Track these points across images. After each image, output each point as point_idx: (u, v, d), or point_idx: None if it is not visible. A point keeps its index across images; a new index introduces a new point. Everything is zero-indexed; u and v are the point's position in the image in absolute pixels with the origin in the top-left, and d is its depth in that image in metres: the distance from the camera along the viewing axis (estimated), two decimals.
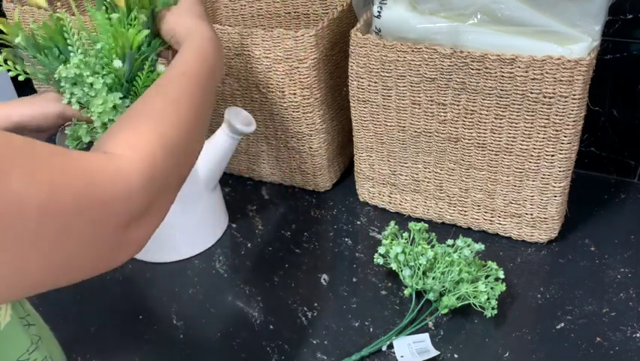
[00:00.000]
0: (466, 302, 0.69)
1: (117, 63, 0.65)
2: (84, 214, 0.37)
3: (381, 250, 0.75)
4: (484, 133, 0.75)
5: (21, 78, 0.67)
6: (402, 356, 0.66)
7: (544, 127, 0.71)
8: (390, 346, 0.68)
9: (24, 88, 1.17)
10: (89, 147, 0.69)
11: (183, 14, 0.66)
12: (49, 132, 0.70)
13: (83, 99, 0.65)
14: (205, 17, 0.67)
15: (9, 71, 0.67)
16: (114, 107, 0.65)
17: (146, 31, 0.66)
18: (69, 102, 0.66)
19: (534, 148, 0.73)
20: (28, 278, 0.35)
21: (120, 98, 0.65)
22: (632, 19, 0.80)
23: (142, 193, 0.41)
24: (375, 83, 0.77)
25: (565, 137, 0.70)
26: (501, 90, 0.70)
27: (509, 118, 0.72)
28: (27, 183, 0.33)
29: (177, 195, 0.49)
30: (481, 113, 0.73)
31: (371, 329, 0.71)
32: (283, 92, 0.85)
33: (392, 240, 0.75)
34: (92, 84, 0.64)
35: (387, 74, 0.76)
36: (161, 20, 0.67)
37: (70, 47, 0.66)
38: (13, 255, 0.33)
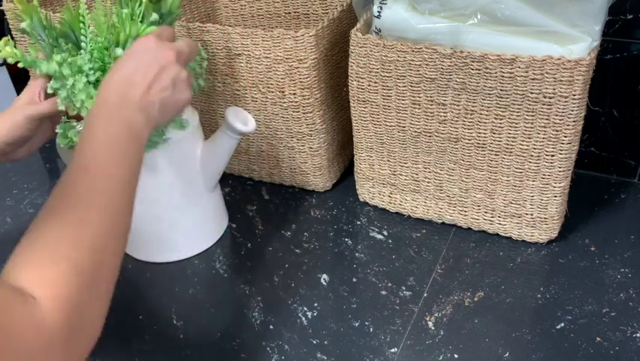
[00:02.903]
0: None
1: (119, 51, 0.65)
2: None
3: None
4: (484, 133, 0.75)
5: (20, 65, 0.67)
6: None
7: (544, 127, 0.71)
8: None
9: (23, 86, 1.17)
10: None
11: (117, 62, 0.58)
12: (38, 138, 0.70)
13: (63, 95, 0.65)
14: (139, 47, 0.58)
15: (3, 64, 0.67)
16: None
17: (153, 27, 0.66)
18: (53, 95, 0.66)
19: (534, 148, 0.73)
20: None
21: None
22: (632, 19, 0.80)
23: (66, 342, 0.39)
24: (375, 83, 0.77)
25: (565, 137, 0.70)
26: (501, 90, 0.70)
27: (509, 118, 0.72)
28: None
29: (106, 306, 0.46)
30: (481, 114, 0.73)
31: (371, 329, 0.71)
32: (283, 92, 0.85)
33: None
34: (73, 84, 0.64)
35: (387, 74, 0.76)
36: None
37: (82, 37, 0.66)
38: None
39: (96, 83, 0.66)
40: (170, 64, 0.59)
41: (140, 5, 0.67)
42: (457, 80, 0.72)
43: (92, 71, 0.65)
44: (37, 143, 0.72)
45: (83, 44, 0.67)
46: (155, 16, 0.67)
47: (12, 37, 1.09)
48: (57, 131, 0.69)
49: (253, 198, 0.96)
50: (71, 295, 0.40)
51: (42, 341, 0.38)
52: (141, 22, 0.67)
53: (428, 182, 0.83)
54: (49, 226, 0.44)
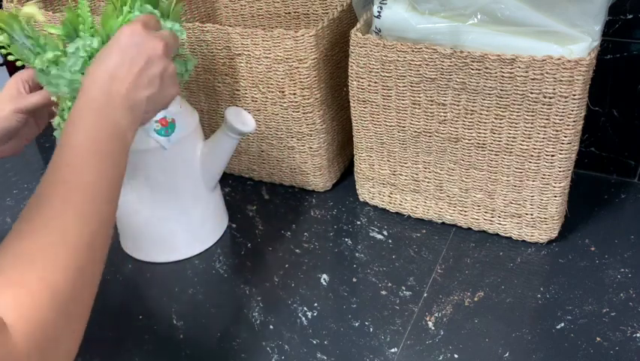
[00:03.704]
0: None
1: (95, 42, 0.63)
2: None
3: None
4: (484, 133, 0.75)
5: (19, 64, 0.66)
6: None
7: (544, 127, 0.71)
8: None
9: None
10: None
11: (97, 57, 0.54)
12: (24, 136, 0.68)
13: (52, 90, 0.65)
14: (119, 42, 0.54)
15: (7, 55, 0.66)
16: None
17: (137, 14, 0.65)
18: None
19: (534, 148, 0.73)
20: None
21: None
22: (632, 19, 0.80)
23: None
24: (375, 83, 0.77)
25: (565, 137, 0.70)
26: (501, 90, 0.70)
27: (509, 118, 0.72)
28: None
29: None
30: (481, 114, 0.73)
31: (371, 329, 0.71)
32: (283, 92, 0.85)
33: None
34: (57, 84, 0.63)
35: (387, 74, 0.76)
36: None
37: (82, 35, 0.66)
38: None
39: None
40: (158, 57, 0.55)
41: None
42: (457, 80, 0.72)
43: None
44: (23, 140, 0.70)
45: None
46: (148, 8, 0.64)
47: None
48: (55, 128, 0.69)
49: (253, 198, 0.96)
50: (45, 321, 0.38)
51: None
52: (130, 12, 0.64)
53: (428, 182, 0.83)
54: (23, 242, 0.41)
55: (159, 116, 0.73)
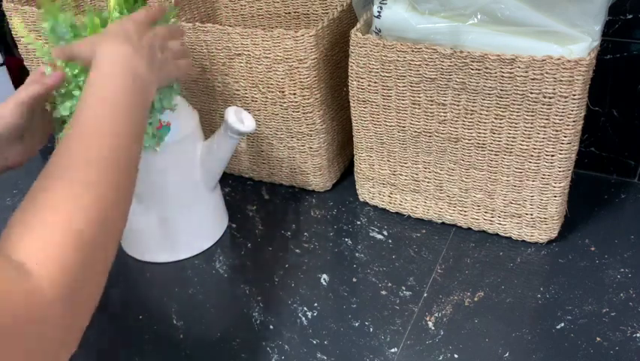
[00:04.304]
0: None
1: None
2: (8, 338, 0.34)
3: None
4: (484, 133, 0.75)
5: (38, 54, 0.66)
6: None
7: (544, 127, 0.71)
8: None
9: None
10: None
11: (96, 38, 0.57)
12: (35, 137, 0.66)
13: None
14: (125, 33, 0.57)
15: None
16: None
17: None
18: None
19: (534, 148, 0.73)
20: None
21: None
22: (632, 19, 0.80)
23: (62, 317, 0.38)
24: (375, 83, 0.78)
25: (565, 137, 0.70)
26: (501, 90, 0.70)
27: (509, 118, 0.72)
28: None
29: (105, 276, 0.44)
30: (481, 113, 0.73)
31: (371, 329, 0.71)
32: (283, 92, 0.85)
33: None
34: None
35: (387, 74, 0.76)
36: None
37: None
38: None
39: None
40: (144, 25, 0.60)
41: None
42: (457, 80, 0.72)
43: None
44: (35, 142, 0.68)
45: None
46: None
47: (12, 38, 1.09)
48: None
49: (253, 198, 0.96)
50: (69, 268, 0.39)
51: (39, 316, 0.36)
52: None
53: (428, 182, 0.83)
54: (47, 193, 0.42)
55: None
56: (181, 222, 0.82)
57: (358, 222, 0.88)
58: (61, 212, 0.40)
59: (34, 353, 0.36)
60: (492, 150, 0.76)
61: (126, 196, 0.47)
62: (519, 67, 0.67)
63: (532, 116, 0.70)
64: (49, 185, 0.42)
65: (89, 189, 0.42)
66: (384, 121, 0.81)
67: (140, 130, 0.51)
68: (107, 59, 0.53)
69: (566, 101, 0.68)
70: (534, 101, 0.69)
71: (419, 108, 0.77)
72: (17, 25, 0.67)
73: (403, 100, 0.77)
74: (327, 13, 1.02)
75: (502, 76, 0.69)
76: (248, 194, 0.97)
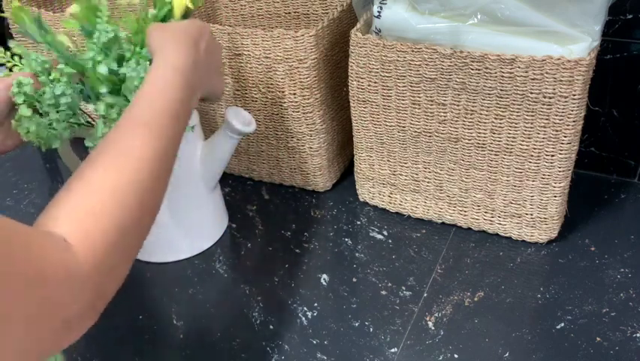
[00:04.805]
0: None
1: (103, 69, 0.64)
2: (44, 305, 0.36)
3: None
4: (484, 133, 0.75)
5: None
6: None
7: (544, 127, 0.71)
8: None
9: None
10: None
11: (163, 34, 0.59)
12: (6, 124, 0.65)
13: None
14: (189, 37, 0.59)
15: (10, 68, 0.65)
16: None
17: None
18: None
19: (534, 148, 0.73)
20: None
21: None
22: (632, 19, 0.80)
23: (92, 293, 0.40)
24: (375, 83, 0.77)
25: (565, 137, 0.70)
26: (501, 90, 0.70)
27: (509, 118, 0.72)
28: None
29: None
30: (481, 113, 0.73)
31: (371, 329, 0.71)
32: (283, 92, 0.85)
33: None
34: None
35: (387, 74, 0.76)
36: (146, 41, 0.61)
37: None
38: None
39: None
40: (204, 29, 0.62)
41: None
42: (457, 80, 0.72)
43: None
44: (9, 136, 0.66)
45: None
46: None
47: (12, 37, 1.09)
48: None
49: (253, 198, 0.96)
50: (108, 245, 0.41)
51: (74, 285, 0.38)
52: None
53: (428, 182, 0.83)
54: (91, 173, 0.44)
55: None
56: (181, 222, 0.82)
57: (358, 223, 0.88)
58: (106, 195, 0.43)
59: (60, 318, 0.38)
60: (492, 150, 0.76)
61: (162, 185, 0.50)
62: (519, 67, 0.67)
63: (532, 116, 0.70)
64: (102, 163, 0.45)
65: (138, 175, 0.45)
66: (384, 121, 0.81)
67: (180, 138, 0.53)
68: (170, 64, 0.55)
69: (566, 101, 0.68)
70: (534, 101, 0.69)
71: (419, 108, 0.77)
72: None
73: (403, 100, 0.77)
74: (327, 13, 1.02)
75: (502, 76, 0.69)
76: (248, 194, 0.97)
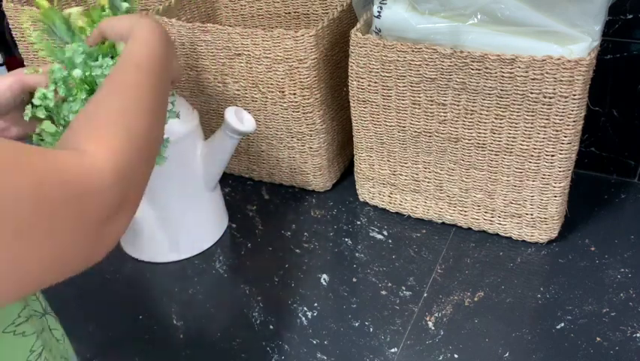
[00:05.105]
0: None
1: (77, 73, 0.64)
2: (67, 206, 0.38)
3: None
4: (484, 133, 0.75)
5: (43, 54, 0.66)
6: None
7: (544, 127, 0.71)
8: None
9: None
10: None
11: (129, 18, 0.64)
12: (12, 113, 0.65)
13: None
14: (154, 23, 0.65)
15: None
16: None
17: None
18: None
19: (534, 148, 0.73)
20: (26, 275, 0.36)
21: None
22: (632, 19, 0.80)
23: (115, 189, 0.42)
24: (375, 83, 0.77)
25: (565, 137, 0.70)
26: (501, 90, 0.70)
27: (509, 118, 0.72)
28: (18, 175, 0.35)
29: (146, 188, 0.50)
30: (481, 113, 0.73)
31: (371, 329, 0.71)
32: (283, 92, 0.85)
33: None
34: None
35: (387, 74, 0.76)
36: (107, 34, 0.64)
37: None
38: (13, 250, 0.34)
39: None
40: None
41: None
42: (457, 80, 0.72)
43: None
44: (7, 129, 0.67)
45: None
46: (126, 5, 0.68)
47: (12, 38, 1.09)
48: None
49: (253, 198, 0.96)
50: (124, 150, 0.44)
51: (97, 186, 0.40)
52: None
53: (428, 182, 0.83)
54: (96, 99, 0.49)
55: None
56: (181, 223, 0.82)
57: (358, 222, 0.88)
58: (115, 115, 0.47)
59: (98, 212, 0.40)
60: (492, 150, 0.76)
61: (163, 114, 0.55)
62: (519, 67, 0.67)
63: (533, 116, 0.70)
64: (104, 96, 0.50)
65: (137, 100, 0.50)
66: (384, 121, 0.81)
67: (165, 105, 0.57)
68: (146, 28, 0.59)
69: (566, 101, 0.68)
70: (534, 101, 0.69)
71: (419, 108, 0.77)
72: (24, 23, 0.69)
73: (403, 100, 0.77)
74: (327, 13, 1.02)
75: (503, 76, 0.69)
76: (248, 194, 0.97)
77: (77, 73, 0.63)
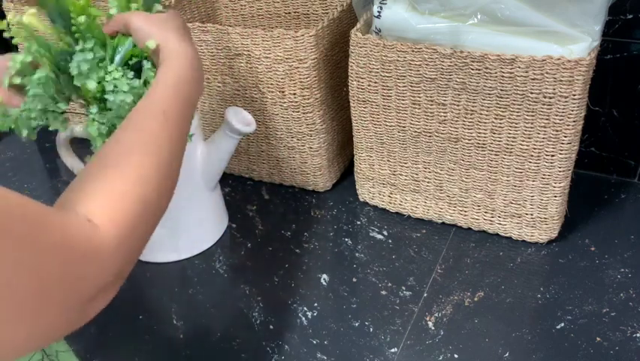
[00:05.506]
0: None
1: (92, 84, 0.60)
2: (61, 285, 0.36)
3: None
4: (484, 133, 0.75)
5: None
6: None
7: (544, 127, 0.71)
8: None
9: None
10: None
11: (165, 26, 0.59)
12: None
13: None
14: (187, 32, 0.61)
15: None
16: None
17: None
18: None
19: (534, 148, 0.73)
20: (14, 347, 0.35)
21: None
22: (632, 19, 0.80)
23: (115, 269, 0.41)
24: (375, 83, 0.78)
25: (565, 137, 0.70)
26: (501, 90, 0.70)
27: (509, 118, 0.72)
28: (18, 252, 0.33)
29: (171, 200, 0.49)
30: (481, 113, 0.73)
31: (371, 329, 0.71)
32: (283, 92, 0.85)
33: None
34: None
35: (387, 74, 0.76)
36: (135, 28, 0.59)
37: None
38: (6, 324, 0.33)
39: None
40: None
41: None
42: (457, 80, 0.72)
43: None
44: None
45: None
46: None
47: (11, 37, 1.09)
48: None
49: (253, 198, 0.96)
50: (132, 226, 0.42)
51: (96, 259, 0.39)
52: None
53: (428, 182, 0.83)
54: (114, 156, 0.46)
55: None
56: (181, 223, 0.82)
57: (358, 222, 0.88)
58: (129, 178, 0.45)
59: (81, 291, 0.38)
60: (492, 150, 0.76)
61: (178, 171, 0.52)
62: (519, 67, 0.67)
63: (533, 116, 0.70)
64: (124, 145, 0.47)
65: (157, 157, 0.48)
66: (384, 121, 0.81)
67: (189, 123, 0.55)
68: (182, 59, 0.56)
69: (566, 101, 0.68)
70: (534, 101, 0.69)
71: (419, 108, 0.77)
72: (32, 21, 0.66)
73: (403, 100, 0.77)
74: (327, 13, 1.02)
75: (502, 76, 0.69)
76: (248, 194, 0.97)
77: (92, 85, 0.60)
